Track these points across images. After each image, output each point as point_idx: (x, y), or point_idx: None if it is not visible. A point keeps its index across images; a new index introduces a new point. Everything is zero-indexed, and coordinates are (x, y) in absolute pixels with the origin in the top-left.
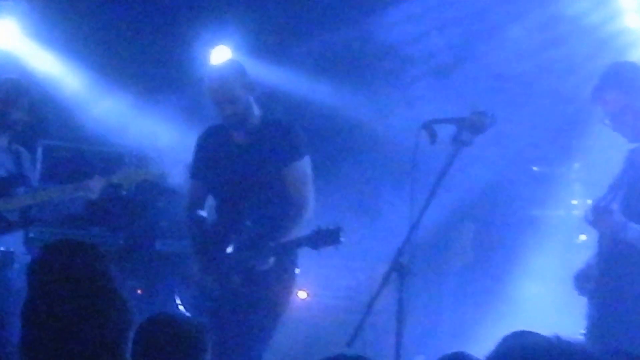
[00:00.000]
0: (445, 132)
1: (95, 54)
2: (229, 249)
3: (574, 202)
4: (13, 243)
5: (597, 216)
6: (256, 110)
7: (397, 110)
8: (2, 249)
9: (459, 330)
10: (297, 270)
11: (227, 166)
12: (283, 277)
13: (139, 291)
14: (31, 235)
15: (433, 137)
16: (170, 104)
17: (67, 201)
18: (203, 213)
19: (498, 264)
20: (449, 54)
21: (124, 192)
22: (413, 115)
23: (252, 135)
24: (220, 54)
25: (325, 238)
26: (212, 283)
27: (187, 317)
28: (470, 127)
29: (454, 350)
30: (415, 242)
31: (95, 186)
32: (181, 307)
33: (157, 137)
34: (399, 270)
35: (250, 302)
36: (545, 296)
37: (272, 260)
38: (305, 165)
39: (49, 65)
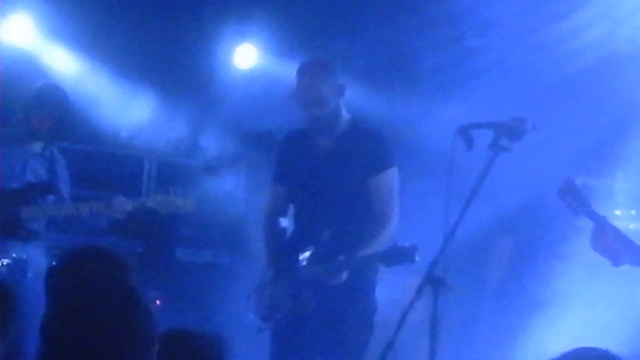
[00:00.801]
0: (483, 137)
1: (113, 52)
2: (303, 261)
3: (617, 212)
4: (32, 252)
5: None
6: (345, 115)
7: (431, 114)
8: (14, 256)
9: (494, 347)
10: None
11: (309, 172)
12: (358, 293)
13: (157, 302)
14: (47, 242)
15: (469, 142)
16: (192, 105)
17: (92, 216)
18: (284, 222)
19: (535, 278)
20: (486, 57)
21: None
22: (448, 119)
23: (338, 140)
24: (244, 53)
25: (399, 256)
26: (283, 296)
27: (205, 332)
28: (509, 132)
29: None
30: (450, 254)
31: (123, 207)
32: (251, 316)
33: (177, 137)
34: (433, 284)
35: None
36: (585, 311)
37: (344, 275)
38: (393, 176)
39: (65, 63)
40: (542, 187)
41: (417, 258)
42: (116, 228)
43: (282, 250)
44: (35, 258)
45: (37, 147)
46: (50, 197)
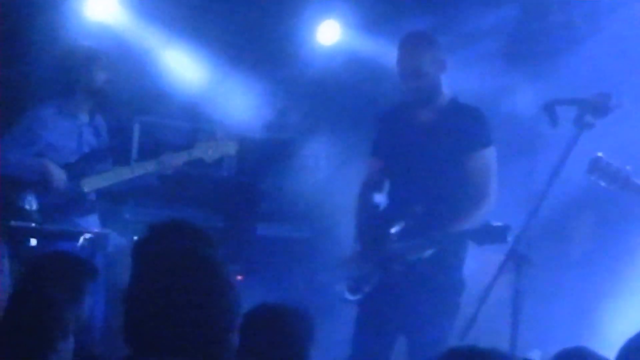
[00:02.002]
0: (568, 113)
1: (195, 28)
2: (394, 235)
3: None
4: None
5: None
6: (446, 90)
7: (515, 90)
8: (96, 230)
9: (578, 324)
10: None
11: (408, 146)
12: (446, 270)
13: (239, 277)
14: (126, 216)
15: (554, 119)
16: (275, 81)
17: (141, 177)
18: (378, 197)
19: (619, 255)
20: (571, 32)
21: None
22: (532, 96)
23: (439, 115)
24: (328, 29)
25: (492, 235)
26: (371, 270)
27: (293, 307)
28: (593, 109)
29: (573, 344)
30: (533, 231)
31: (173, 162)
32: (337, 287)
33: (260, 112)
34: (516, 260)
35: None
36: None
37: (431, 251)
38: (491, 155)
39: (147, 39)
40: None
41: (509, 239)
42: (196, 201)
43: (372, 223)
44: (116, 233)
45: (85, 117)
46: (100, 166)
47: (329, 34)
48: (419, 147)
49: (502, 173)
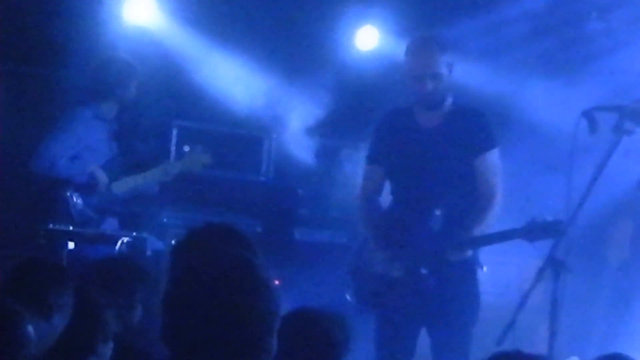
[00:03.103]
0: (607, 120)
1: (233, 32)
2: (418, 239)
3: None
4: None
5: None
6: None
7: (554, 96)
8: (134, 234)
9: (615, 332)
10: (484, 268)
11: (414, 151)
12: (470, 272)
13: (276, 282)
14: (164, 220)
15: (593, 125)
16: (313, 86)
17: (147, 185)
18: (381, 201)
19: None
20: (608, 39)
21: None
22: (572, 101)
23: (445, 118)
24: (366, 35)
25: (543, 230)
26: (399, 273)
27: (331, 313)
28: (633, 115)
29: (610, 351)
30: (571, 237)
31: (173, 170)
32: (349, 297)
33: (300, 118)
34: (554, 266)
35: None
36: None
37: (467, 253)
38: (496, 156)
39: (186, 43)
40: None
41: (562, 230)
42: (235, 206)
43: (388, 230)
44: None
45: (114, 123)
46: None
47: (367, 39)
48: (428, 151)
49: (542, 181)
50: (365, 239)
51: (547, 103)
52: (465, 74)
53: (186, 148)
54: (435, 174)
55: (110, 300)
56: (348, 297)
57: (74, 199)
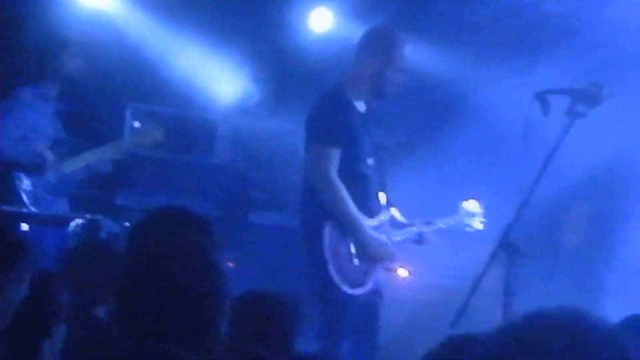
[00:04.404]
0: (560, 103)
1: (188, 15)
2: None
3: None
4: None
5: None
6: None
7: (507, 79)
8: (88, 216)
9: None
10: None
11: (361, 135)
12: None
13: (231, 264)
14: (119, 202)
15: (546, 108)
16: (267, 68)
17: (98, 163)
18: None
19: (613, 245)
20: (563, 22)
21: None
22: (525, 85)
23: (367, 106)
24: (320, 17)
25: None
26: (392, 251)
27: (282, 295)
28: (586, 98)
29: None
30: (525, 220)
31: (121, 147)
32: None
33: (252, 100)
34: (508, 250)
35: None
36: None
37: None
38: None
39: (140, 25)
40: (620, 154)
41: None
42: (190, 188)
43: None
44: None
45: (55, 102)
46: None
47: (320, 21)
48: (367, 136)
49: (495, 164)
50: (334, 225)
51: (501, 86)
52: (421, 57)
53: (137, 124)
54: (377, 160)
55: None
56: (340, 285)
57: (23, 180)
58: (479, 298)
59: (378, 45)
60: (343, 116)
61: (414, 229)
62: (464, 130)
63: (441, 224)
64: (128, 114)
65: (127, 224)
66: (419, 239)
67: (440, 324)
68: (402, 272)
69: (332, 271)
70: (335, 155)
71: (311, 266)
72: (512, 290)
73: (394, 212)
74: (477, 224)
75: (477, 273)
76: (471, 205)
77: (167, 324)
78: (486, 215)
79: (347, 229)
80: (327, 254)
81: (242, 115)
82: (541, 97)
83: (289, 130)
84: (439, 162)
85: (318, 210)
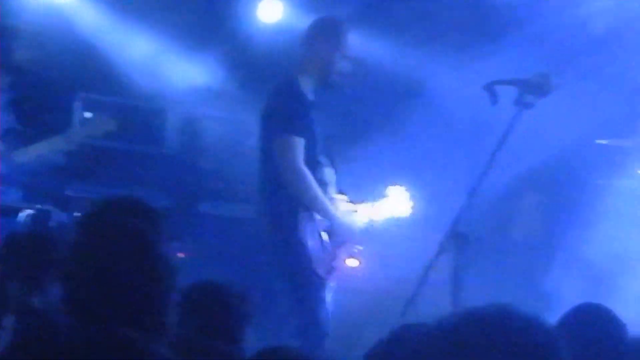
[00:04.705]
0: (509, 94)
1: (137, 5)
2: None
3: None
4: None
5: None
6: None
7: (456, 70)
8: (38, 206)
9: (518, 304)
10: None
11: (314, 125)
12: None
13: (180, 255)
14: (69, 193)
15: (494, 98)
16: (216, 59)
17: (50, 153)
18: None
19: (562, 235)
20: (513, 13)
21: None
22: (475, 75)
23: (316, 97)
24: (269, 7)
25: None
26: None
27: (234, 286)
28: (533, 89)
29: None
30: (474, 210)
31: (73, 137)
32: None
33: (202, 90)
34: (457, 239)
35: None
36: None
37: None
38: None
39: (90, 15)
40: (571, 145)
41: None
42: (140, 179)
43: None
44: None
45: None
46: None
47: (270, 11)
48: (316, 126)
49: (446, 154)
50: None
51: (453, 76)
52: (373, 47)
53: (88, 115)
54: (324, 151)
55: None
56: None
57: None
58: (428, 288)
59: (326, 35)
60: (303, 106)
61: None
62: (416, 120)
63: (365, 209)
64: (78, 104)
65: (77, 214)
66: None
67: (390, 314)
68: (352, 262)
69: (311, 256)
70: (300, 145)
71: (286, 254)
72: (460, 280)
73: (343, 199)
74: (403, 209)
75: (427, 263)
76: (396, 191)
77: (113, 315)
78: (435, 204)
79: (319, 215)
80: (305, 239)
81: (192, 106)
82: (490, 88)
83: (238, 120)
84: (392, 151)
85: (288, 199)
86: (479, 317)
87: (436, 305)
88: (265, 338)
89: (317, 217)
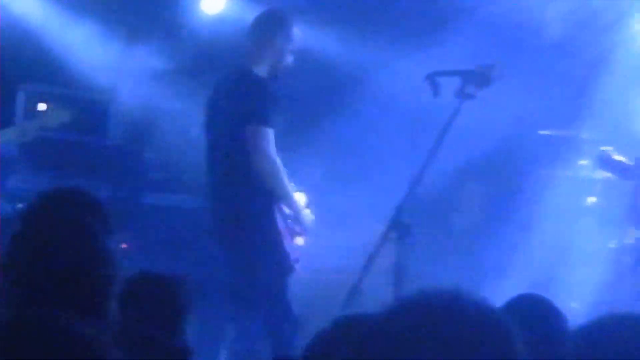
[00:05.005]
0: (451, 85)
1: None
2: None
3: (582, 162)
4: None
5: None
6: None
7: (399, 61)
8: None
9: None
10: None
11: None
12: None
13: (124, 245)
14: (12, 184)
15: (436, 89)
16: (159, 50)
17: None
18: None
19: (504, 225)
20: (458, 3)
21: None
22: (417, 67)
23: None
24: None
25: None
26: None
27: (174, 276)
28: (476, 80)
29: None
30: (417, 200)
31: (27, 129)
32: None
33: (143, 82)
34: (399, 230)
35: None
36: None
37: None
38: None
39: (31, 6)
40: (513, 135)
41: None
42: (84, 170)
43: None
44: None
45: None
46: None
47: (213, 3)
48: None
49: (389, 144)
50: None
51: (395, 68)
52: (315, 39)
53: (42, 107)
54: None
55: None
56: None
57: None
58: (371, 278)
59: (278, 28)
60: (272, 97)
61: None
62: (359, 110)
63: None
64: (21, 95)
65: (20, 205)
66: None
67: (333, 305)
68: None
69: (285, 247)
70: (273, 136)
71: (257, 247)
72: (402, 270)
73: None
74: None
75: (369, 253)
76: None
77: (54, 306)
78: (378, 194)
79: (288, 205)
80: (278, 230)
81: (136, 96)
82: (431, 79)
83: (182, 111)
84: (334, 141)
85: (262, 190)
86: (429, 304)
87: (379, 296)
88: (209, 328)
89: (285, 208)
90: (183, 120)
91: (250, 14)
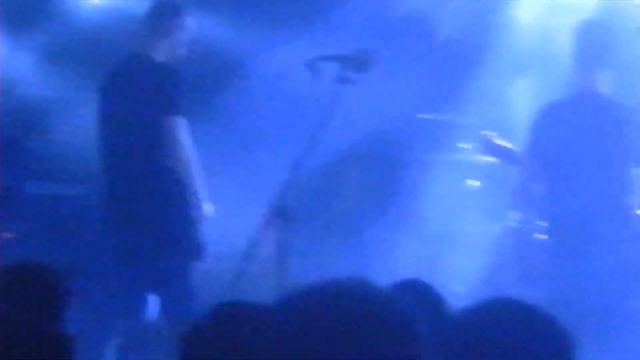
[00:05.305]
0: (331, 69)
1: None
2: None
3: (461, 145)
4: None
5: None
6: None
7: (280, 46)
8: None
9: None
10: None
11: None
12: None
13: (8, 235)
14: None
15: (316, 74)
16: (40, 37)
17: None
18: None
19: (386, 210)
20: None
21: None
22: (296, 51)
23: None
24: None
25: None
26: None
27: (54, 265)
28: (355, 64)
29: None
30: (298, 186)
31: None
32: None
33: (26, 70)
34: (281, 215)
35: None
36: (435, 243)
37: None
38: None
39: None
40: (393, 120)
41: None
42: None
43: None
44: None
45: None
46: None
47: None
48: None
49: (270, 130)
50: None
51: (275, 53)
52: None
53: None
54: None
55: None
56: None
57: None
58: (254, 266)
59: (170, 17)
60: (181, 85)
61: None
62: (240, 97)
63: None
64: None
65: None
66: None
67: (216, 292)
68: None
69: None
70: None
71: (170, 232)
72: (285, 256)
73: None
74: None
75: (251, 239)
76: None
77: None
78: (258, 180)
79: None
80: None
81: (17, 85)
82: (311, 64)
83: (65, 99)
84: (215, 127)
85: (177, 179)
86: (330, 293)
87: (261, 283)
88: (92, 317)
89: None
90: (65, 109)
91: (132, 2)
